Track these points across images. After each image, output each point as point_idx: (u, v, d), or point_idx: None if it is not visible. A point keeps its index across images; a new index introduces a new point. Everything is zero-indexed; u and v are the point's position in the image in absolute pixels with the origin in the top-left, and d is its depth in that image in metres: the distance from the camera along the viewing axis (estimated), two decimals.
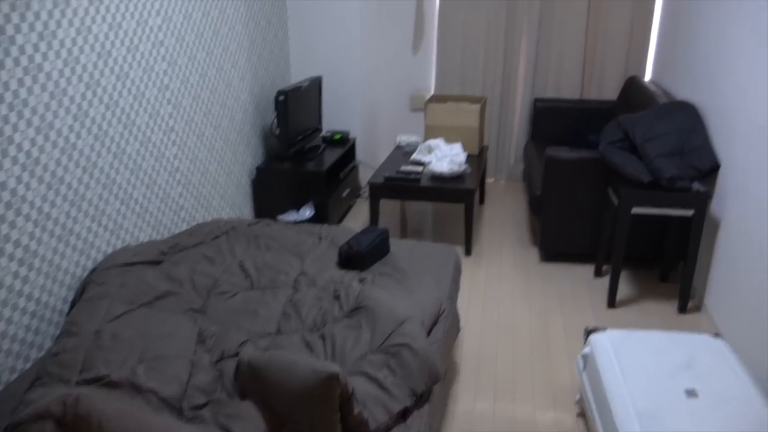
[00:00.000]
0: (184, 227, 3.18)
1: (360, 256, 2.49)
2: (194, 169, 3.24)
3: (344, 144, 4.37)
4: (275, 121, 3.83)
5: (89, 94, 2.41)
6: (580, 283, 3.48)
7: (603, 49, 4.65)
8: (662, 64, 4.20)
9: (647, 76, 4.62)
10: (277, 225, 3.00)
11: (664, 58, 4.14)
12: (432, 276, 2.53)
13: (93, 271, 2.40)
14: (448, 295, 2.47)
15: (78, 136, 2.36)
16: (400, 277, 2.45)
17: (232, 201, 3.70)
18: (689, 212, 2.93)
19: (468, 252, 3.80)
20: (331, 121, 4.62)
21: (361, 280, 2.38)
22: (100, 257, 2.55)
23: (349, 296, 2.24)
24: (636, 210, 2.97)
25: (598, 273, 3.54)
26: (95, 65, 2.43)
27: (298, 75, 4.55)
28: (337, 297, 2.28)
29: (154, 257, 2.57)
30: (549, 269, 3.64)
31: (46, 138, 2.20)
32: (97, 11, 2.42)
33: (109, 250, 2.61)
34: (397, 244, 2.83)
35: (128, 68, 2.64)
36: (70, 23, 2.28)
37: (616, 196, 3.09)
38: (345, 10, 4.33)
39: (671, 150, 2.98)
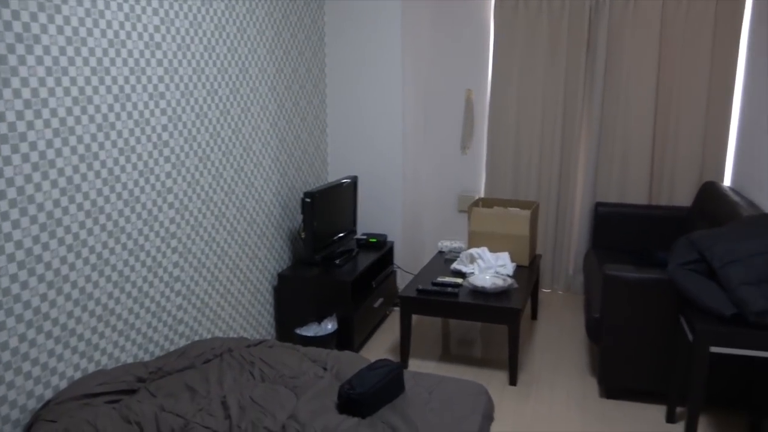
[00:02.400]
0: (182, 343, 2.82)
1: (361, 402, 2.03)
2: (200, 279, 2.92)
3: (380, 248, 4.00)
4: (302, 224, 3.51)
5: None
6: (649, 428, 2.86)
7: (674, 149, 4.16)
8: (743, 169, 3.66)
9: (726, 182, 4.07)
10: (279, 348, 2.61)
11: (746, 163, 3.61)
12: (451, 430, 2.03)
13: (48, 403, 2.05)
14: None
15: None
16: (409, 431, 1.97)
17: (247, 311, 3.34)
18: None
19: (513, 381, 3.25)
20: (370, 223, 4.28)
21: None
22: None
23: None
24: (715, 350, 2.40)
25: (672, 418, 2.91)
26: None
27: (336, 174, 4.28)
28: None
29: (127, 386, 2.22)
30: (611, 408, 3.04)
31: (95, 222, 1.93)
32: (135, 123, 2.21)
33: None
34: (416, 380, 2.36)
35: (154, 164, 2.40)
36: (114, 145, 2.07)
37: (691, 330, 2.52)
38: (387, 107, 4.08)
39: (759, 276, 2.42)
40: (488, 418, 2.22)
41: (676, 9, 4.00)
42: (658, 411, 3.00)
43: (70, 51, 2.13)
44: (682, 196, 4.18)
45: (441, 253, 4.07)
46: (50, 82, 2.06)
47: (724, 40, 3.95)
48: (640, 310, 2.91)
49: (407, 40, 4.13)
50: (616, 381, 3.05)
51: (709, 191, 3.69)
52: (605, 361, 3.04)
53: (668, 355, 2.93)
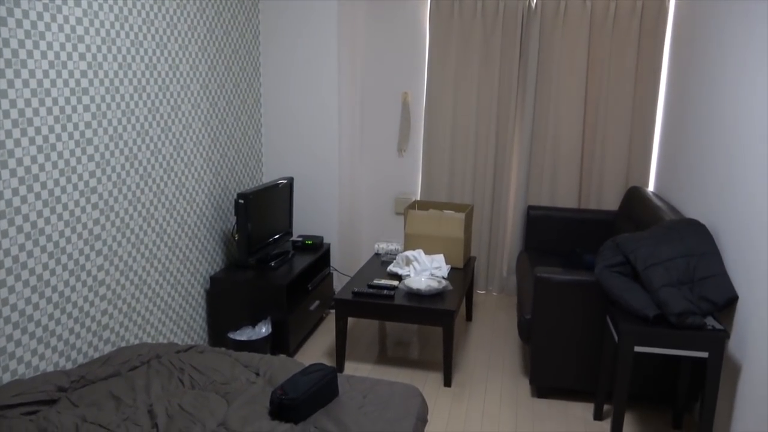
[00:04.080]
0: (108, 349, 2.70)
1: (294, 407, 2.00)
2: (127, 282, 2.81)
3: (316, 250, 3.96)
4: (235, 226, 3.43)
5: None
6: (578, 425, 2.94)
7: (602, 155, 4.31)
8: (666, 175, 3.82)
9: (650, 187, 4.24)
10: (211, 353, 2.53)
11: (668, 169, 3.77)
12: None
13: None
14: None
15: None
16: None
17: (178, 315, 3.24)
18: (704, 354, 2.44)
19: (447, 383, 3.28)
20: (306, 225, 4.23)
21: None
22: None
23: None
24: (639, 349, 2.49)
25: (599, 415, 3.00)
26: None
27: (271, 175, 4.21)
28: None
29: (46, 396, 2.11)
30: (541, 407, 3.11)
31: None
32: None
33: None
34: (350, 384, 2.34)
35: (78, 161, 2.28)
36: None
37: (616, 331, 2.61)
38: (324, 108, 4.05)
39: (679, 278, 2.53)
40: (422, 420, 2.23)
41: (603, 18, 4.14)
42: (586, 409, 3.09)
43: (29, 44, 2.01)
44: (610, 200, 4.33)
45: (377, 255, 4.07)
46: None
47: (648, 51, 4.12)
48: (569, 311, 2.99)
49: (343, 40, 4.10)
50: (547, 380, 3.12)
51: (635, 196, 3.84)
52: (536, 361, 3.10)
53: (596, 355, 3.02)
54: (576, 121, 4.28)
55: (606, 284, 2.68)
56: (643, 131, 4.22)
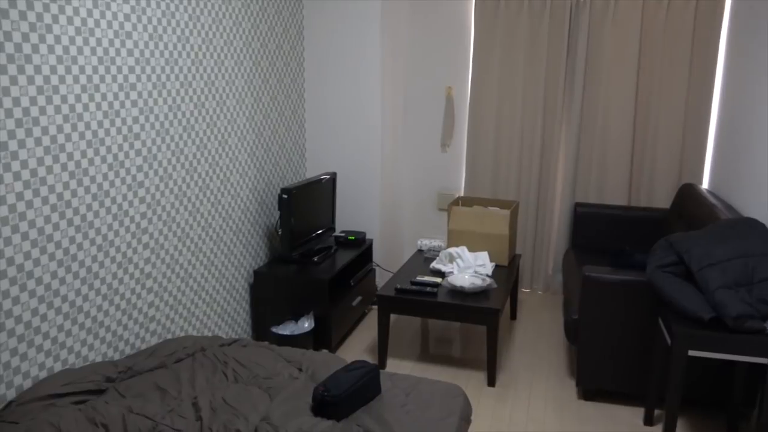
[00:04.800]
0: (154, 341, 2.74)
1: (335, 404, 1.98)
2: (173, 275, 2.85)
3: (359, 246, 3.95)
4: (279, 221, 3.44)
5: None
6: (627, 430, 2.85)
7: (653, 151, 4.16)
8: (721, 172, 3.67)
9: (704, 184, 4.09)
10: (254, 347, 2.54)
11: (724, 166, 3.62)
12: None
13: (10, 404, 1.97)
14: None
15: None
16: None
17: (222, 309, 3.27)
18: (763, 359, 2.32)
19: (491, 383, 3.22)
20: (349, 221, 4.23)
21: None
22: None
23: None
24: (693, 353, 2.39)
25: (649, 420, 2.90)
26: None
27: (315, 170, 4.22)
28: None
29: (95, 386, 2.15)
30: (589, 411, 3.02)
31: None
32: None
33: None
34: (393, 381, 2.32)
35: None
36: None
37: (669, 333, 2.51)
38: (366, 103, 4.03)
39: (736, 280, 2.41)
40: (465, 420, 2.19)
41: (656, 10, 4.00)
42: (635, 413, 2.99)
43: (34, 38, 2.04)
44: (661, 197, 4.19)
45: (420, 251, 4.03)
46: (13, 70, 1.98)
47: (703, 42, 3.96)
48: (617, 311, 2.90)
49: (387, 35, 4.07)
50: (594, 382, 3.03)
51: (688, 193, 3.70)
52: (583, 363, 3.02)
53: (646, 357, 2.92)
54: (626, 115, 4.15)
55: (658, 285, 2.58)
56: (697, 126, 4.06)
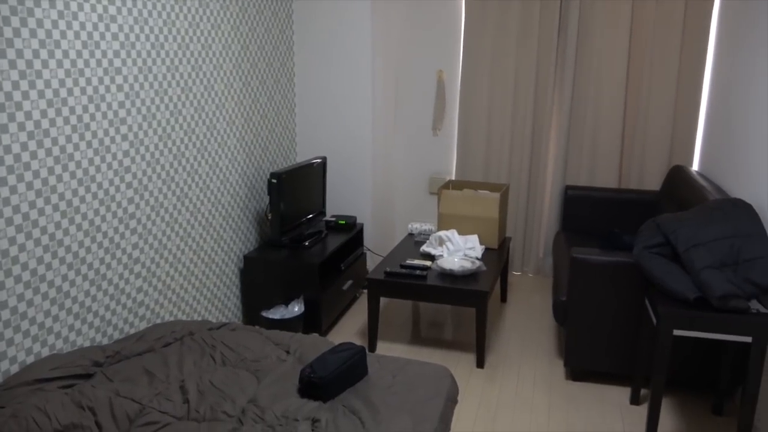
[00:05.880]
0: (143, 326, 2.75)
1: (322, 386, 2.00)
2: (162, 261, 2.85)
3: (350, 230, 3.95)
4: (269, 205, 3.44)
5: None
6: (613, 410, 2.88)
7: (644, 133, 4.17)
8: (711, 154, 3.67)
9: (694, 166, 4.09)
10: (242, 331, 2.56)
11: (713, 148, 3.63)
12: (413, 412, 2.01)
13: None
14: None
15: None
16: (369, 414, 1.94)
17: (212, 293, 3.28)
18: (747, 338, 2.34)
19: (480, 364, 3.25)
20: (339, 205, 4.23)
21: (315, 421, 1.88)
22: None
23: None
24: (678, 332, 2.41)
25: (636, 399, 2.93)
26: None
27: (305, 154, 4.21)
28: None
29: (82, 370, 2.16)
30: (576, 391, 3.05)
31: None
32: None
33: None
34: (381, 363, 2.33)
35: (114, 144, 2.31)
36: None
37: (655, 313, 2.53)
38: (357, 87, 4.01)
39: (722, 260, 2.43)
40: (452, 400, 2.21)
41: None
42: (622, 393, 3.02)
43: (43, 54, 2.03)
44: (651, 180, 4.20)
45: (411, 235, 4.04)
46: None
47: (694, 26, 3.95)
48: (606, 292, 2.92)
49: (378, 17, 4.05)
50: (582, 363, 3.06)
51: (678, 175, 3.71)
52: (571, 344, 3.04)
53: (633, 338, 2.95)
54: (617, 98, 4.14)
55: (645, 266, 2.59)
56: (687, 109, 4.06)
